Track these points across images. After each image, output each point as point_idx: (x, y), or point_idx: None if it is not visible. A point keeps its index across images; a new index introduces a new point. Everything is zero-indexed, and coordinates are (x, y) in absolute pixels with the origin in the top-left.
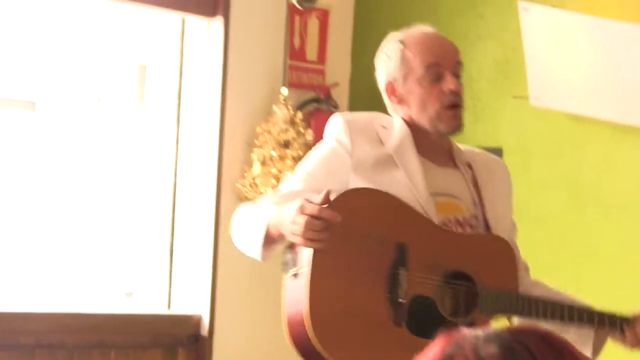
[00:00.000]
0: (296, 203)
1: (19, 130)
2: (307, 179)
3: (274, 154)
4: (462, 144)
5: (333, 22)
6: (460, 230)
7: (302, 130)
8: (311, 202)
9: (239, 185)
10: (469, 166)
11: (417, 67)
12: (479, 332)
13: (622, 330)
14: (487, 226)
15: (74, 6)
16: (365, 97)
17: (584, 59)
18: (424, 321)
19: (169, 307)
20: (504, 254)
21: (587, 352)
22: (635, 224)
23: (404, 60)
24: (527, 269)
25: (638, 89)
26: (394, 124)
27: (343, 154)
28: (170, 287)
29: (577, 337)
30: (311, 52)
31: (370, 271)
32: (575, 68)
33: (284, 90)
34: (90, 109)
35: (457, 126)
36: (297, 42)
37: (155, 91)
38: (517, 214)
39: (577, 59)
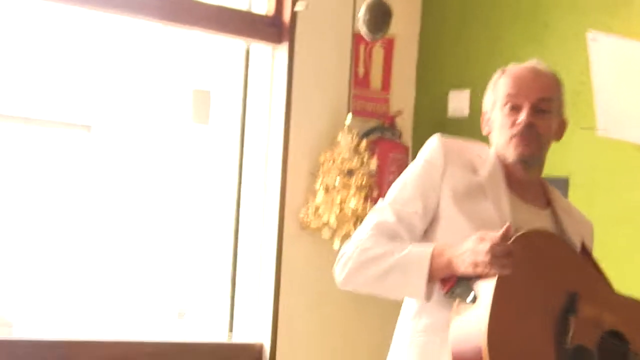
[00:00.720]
0: (472, 237)
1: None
2: (419, 199)
3: (337, 182)
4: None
5: (398, 50)
6: None
7: (365, 158)
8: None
9: (302, 214)
10: (557, 211)
11: (502, 96)
12: None
13: None
14: None
15: (139, 30)
16: (429, 126)
17: None
18: None
19: (230, 335)
20: None
21: None
22: None
23: (495, 88)
24: None
25: None
26: (489, 156)
27: (436, 174)
28: (232, 314)
29: None
30: (375, 81)
31: (542, 311)
32: None
33: (348, 119)
34: (146, 131)
35: (522, 153)
36: (361, 70)
37: (219, 116)
38: None
39: None
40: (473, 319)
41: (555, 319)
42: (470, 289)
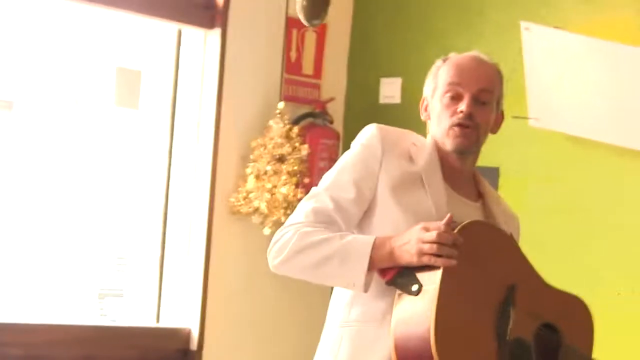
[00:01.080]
0: (416, 227)
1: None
2: (356, 186)
3: (269, 168)
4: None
5: (330, 36)
6: None
7: (297, 144)
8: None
9: (232, 199)
10: (488, 203)
11: (442, 84)
12: None
13: None
14: None
15: (64, 9)
16: (360, 112)
17: (585, 81)
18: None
19: (157, 320)
20: (584, 317)
21: None
22: (636, 254)
23: (435, 76)
24: None
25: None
26: (425, 144)
27: (374, 162)
28: (159, 300)
29: None
30: (307, 66)
31: (484, 303)
32: (576, 90)
33: (280, 104)
34: (68, 110)
35: (460, 144)
36: (293, 55)
37: (150, 99)
38: None
39: (579, 81)
40: (418, 309)
41: (495, 311)
42: (414, 280)
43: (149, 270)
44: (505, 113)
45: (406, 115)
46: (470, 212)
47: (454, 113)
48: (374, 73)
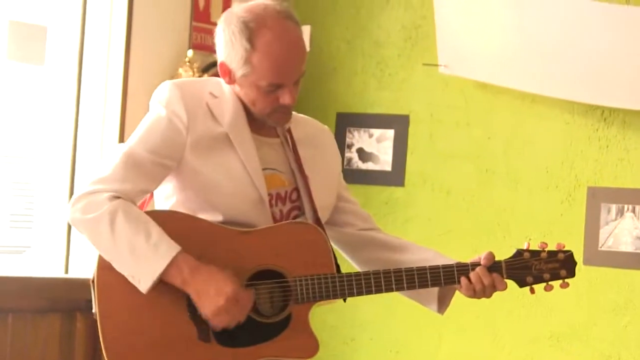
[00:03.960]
0: (229, 287)
1: None
2: (155, 157)
3: None
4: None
5: None
6: (280, 206)
7: None
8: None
9: None
10: (289, 132)
11: (260, 78)
12: None
13: (459, 282)
14: (309, 197)
15: None
16: None
17: (494, 28)
18: (237, 330)
19: (66, 271)
20: (312, 239)
21: (433, 307)
22: (544, 197)
23: (248, 62)
24: (366, 219)
25: (546, 58)
26: (224, 93)
27: (181, 128)
28: (68, 250)
29: (420, 291)
30: (216, 14)
31: (165, 295)
32: (485, 37)
33: (189, 53)
34: None
35: (283, 124)
36: (202, 3)
37: (56, 52)
38: (422, 182)
39: (488, 28)
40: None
41: (184, 296)
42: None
43: (57, 222)
44: (415, 60)
45: (315, 63)
46: (275, 151)
47: (275, 102)
48: None
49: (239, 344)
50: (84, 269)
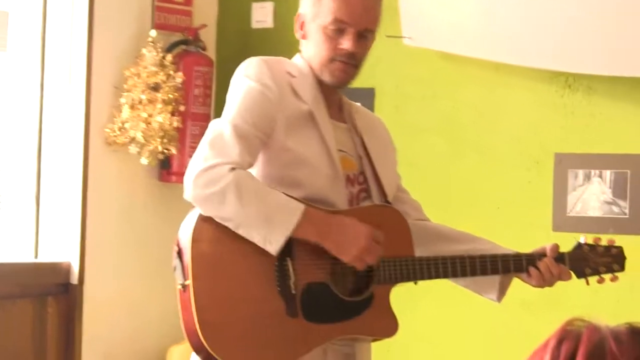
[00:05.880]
0: (364, 230)
1: None
2: (256, 130)
3: (144, 97)
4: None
5: None
6: (350, 187)
7: (172, 72)
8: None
9: (108, 130)
10: (353, 120)
11: (326, 14)
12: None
13: (528, 272)
14: (377, 182)
15: None
16: (233, 38)
17: None
18: (322, 307)
19: (36, 255)
20: (394, 222)
21: (493, 296)
22: (512, 166)
23: (318, 2)
24: (419, 209)
25: (511, 26)
26: (302, 72)
27: (274, 102)
28: (37, 235)
29: (480, 281)
30: None
31: (258, 270)
32: (449, 7)
33: (152, 33)
34: None
35: (340, 80)
36: None
37: (18, 37)
38: None
39: None
40: (186, 301)
41: (273, 270)
42: (181, 268)
43: (24, 206)
44: (379, 32)
45: (279, 40)
46: (345, 136)
47: (337, 47)
48: None
49: (324, 320)
50: (54, 253)
